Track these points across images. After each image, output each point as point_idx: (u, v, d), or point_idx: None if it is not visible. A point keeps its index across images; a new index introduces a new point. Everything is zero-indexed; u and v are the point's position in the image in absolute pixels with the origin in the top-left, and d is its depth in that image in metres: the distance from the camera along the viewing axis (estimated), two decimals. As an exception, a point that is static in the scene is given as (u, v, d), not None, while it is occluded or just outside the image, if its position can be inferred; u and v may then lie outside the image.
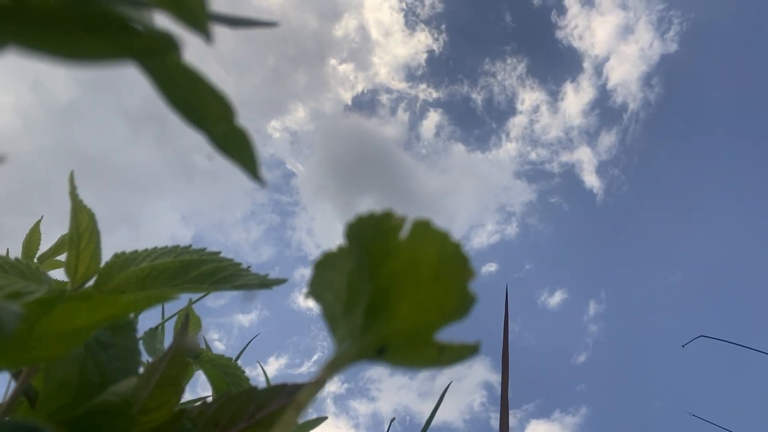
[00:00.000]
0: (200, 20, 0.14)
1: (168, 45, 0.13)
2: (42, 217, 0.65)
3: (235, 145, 0.16)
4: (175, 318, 0.49)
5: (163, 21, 0.14)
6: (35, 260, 0.63)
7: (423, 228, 0.14)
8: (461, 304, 0.14)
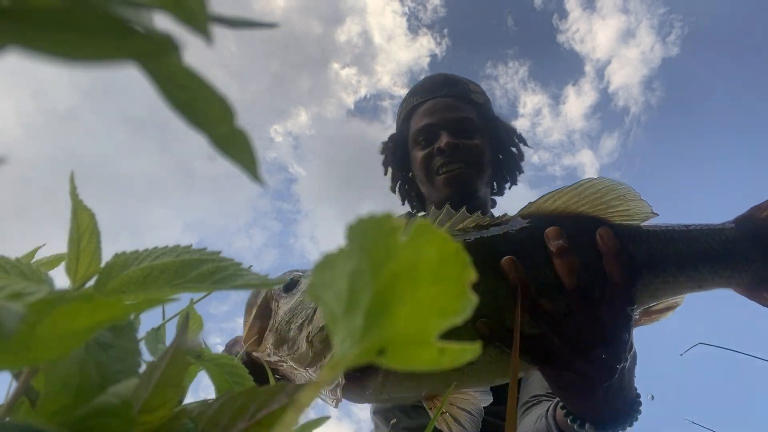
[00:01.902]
0: (200, 21, 0.14)
1: (168, 46, 0.13)
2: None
3: (235, 146, 0.16)
4: (176, 318, 0.49)
5: (163, 22, 0.14)
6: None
7: (423, 229, 0.14)
8: (461, 305, 0.14)
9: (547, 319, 0.62)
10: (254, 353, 0.73)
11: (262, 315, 0.74)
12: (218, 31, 0.14)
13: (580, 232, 0.66)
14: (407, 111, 1.42)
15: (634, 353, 0.67)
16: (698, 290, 0.70)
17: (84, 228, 0.28)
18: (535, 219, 0.69)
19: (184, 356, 0.24)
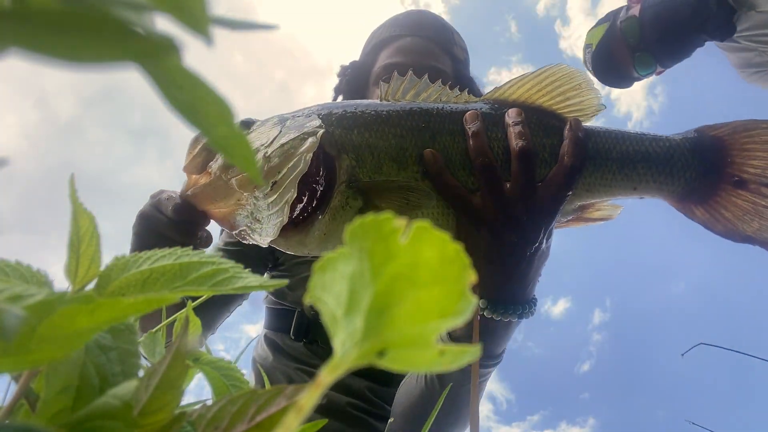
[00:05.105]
0: (201, 23, 0.14)
1: (168, 48, 0.13)
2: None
3: (235, 146, 0.16)
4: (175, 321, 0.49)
5: (163, 24, 0.14)
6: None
7: (424, 231, 0.15)
8: (461, 306, 0.14)
9: (489, 175, 0.68)
10: (189, 191, 0.67)
11: (210, 148, 0.70)
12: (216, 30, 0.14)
13: (537, 122, 0.75)
14: (379, 40, 1.28)
15: (547, 252, 0.74)
16: (631, 193, 0.77)
17: (84, 231, 0.28)
18: (497, 104, 0.77)
19: (184, 360, 0.24)
